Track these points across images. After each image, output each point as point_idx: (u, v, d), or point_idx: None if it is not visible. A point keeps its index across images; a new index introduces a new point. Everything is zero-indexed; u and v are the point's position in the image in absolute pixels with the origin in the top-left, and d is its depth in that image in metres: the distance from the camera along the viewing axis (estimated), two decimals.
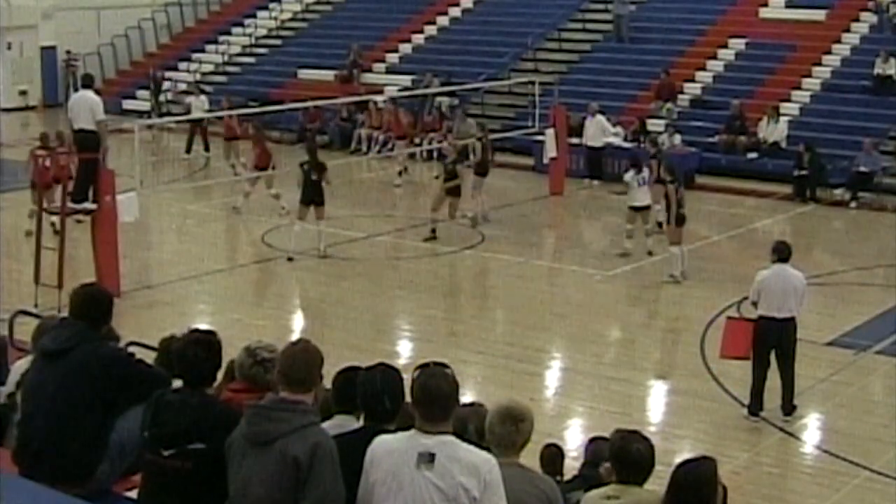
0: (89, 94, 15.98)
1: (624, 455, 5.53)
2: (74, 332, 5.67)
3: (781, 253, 11.82)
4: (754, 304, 11.87)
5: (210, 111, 26.70)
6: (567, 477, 7.87)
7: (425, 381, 4.71)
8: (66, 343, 5.64)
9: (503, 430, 5.09)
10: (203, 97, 27.62)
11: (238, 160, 24.40)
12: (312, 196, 18.16)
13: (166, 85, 33.42)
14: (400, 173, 24.53)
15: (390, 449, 4.72)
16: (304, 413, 4.86)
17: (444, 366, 4.82)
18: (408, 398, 5.09)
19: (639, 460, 5.49)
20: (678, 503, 5.14)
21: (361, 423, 5.29)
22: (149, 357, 7.18)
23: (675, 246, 17.01)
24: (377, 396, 5.09)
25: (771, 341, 11.70)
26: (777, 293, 11.61)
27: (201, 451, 5.08)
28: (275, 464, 4.75)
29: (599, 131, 24.45)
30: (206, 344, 5.37)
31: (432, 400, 4.67)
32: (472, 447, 4.70)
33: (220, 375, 5.74)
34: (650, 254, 18.10)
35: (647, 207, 18.25)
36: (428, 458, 4.59)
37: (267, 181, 21.12)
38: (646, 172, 18.26)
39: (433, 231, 19.36)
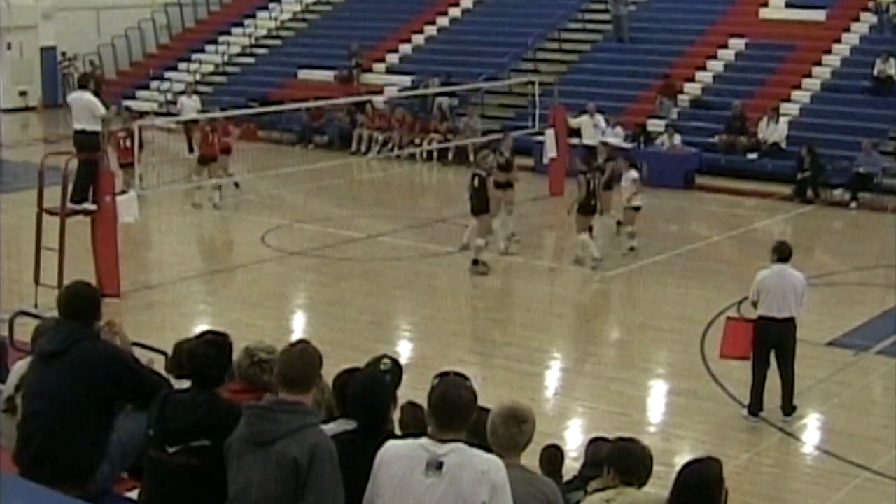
0: (85, 94, 15.98)
1: (627, 454, 5.58)
2: (70, 333, 5.68)
3: (782, 253, 11.81)
4: (754, 303, 11.87)
5: (203, 111, 26.67)
6: (567, 477, 7.87)
7: (445, 390, 4.71)
8: (63, 344, 5.65)
9: (506, 432, 5.08)
10: (195, 97, 27.59)
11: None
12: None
13: (156, 88, 33.39)
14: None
15: (399, 454, 4.72)
16: (302, 414, 4.86)
17: (464, 377, 4.82)
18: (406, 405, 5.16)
19: (642, 458, 5.57)
20: (685, 502, 5.14)
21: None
22: (147, 356, 7.19)
23: (582, 234, 17.46)
24: (356, 398, 5.18)
25: (771, 341, 11.70)
26: (777, 293, 11.60)
27: (207, 448, 5.09)
28: (274, 465, 4.76)
29: (596, 131, 24.46)
30: (217, 345, 5.39)
31: (451, 409, 4.67)
32: (480, 452, 4.70)
33: None
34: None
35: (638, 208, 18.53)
36: (436, 466, 4.60)
37: (212, 171, 21.74)
38: (634, 173, 18.57)
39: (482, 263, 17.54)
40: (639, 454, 5.64)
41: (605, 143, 21.61)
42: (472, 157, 26.03)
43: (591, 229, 17.65)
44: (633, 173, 18.50)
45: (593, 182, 17.52)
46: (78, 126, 15.72)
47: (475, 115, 27.03)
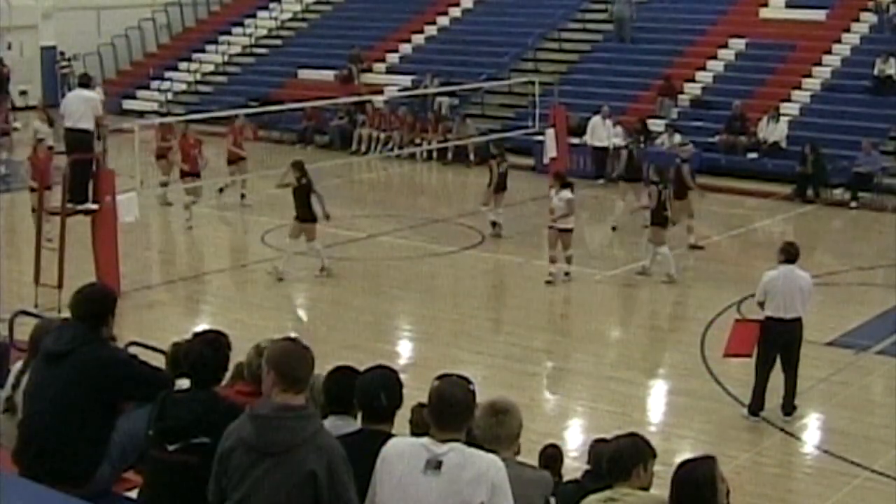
0: (85, 92, 15.92)
1: (621, 454, 5.57)
2: (76, 334, 5.67)
3: (789, 254, 11.82)
4: (760, 304, 11.86)
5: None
6: (567, 477, 7.85)
7: (442, 388, 4.74)
8: (68, 345, 5.64)
9: (484, 424, 5.11)
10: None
11: None
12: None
13: (156, 88, 33.31)
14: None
15: (400, 453, 4.73)
16: (310, 419, 4.76)
17: (467, 379, 4.83)
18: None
19: (634, 456, 5.54)
20: (681, 502, 5.13)
21: (358, 424, 5.28)
22: (148, 357, 7.19)
23: (661, 246, 16.97)
24: (374, 393, 5.11)
25: (778, 342, 11.70)
26: (784, 294, 11.60)
27: (206, 445, 5.05)
28: (288, 475, 4.65)
29: (606, 133, 24.52)
30: (214, 343, 5.37)
31: (446, 407, 4.69)
32: (480, 452, 4.70)
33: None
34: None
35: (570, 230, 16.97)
36: (435, 465, 4.61)
37: None
38: (569, 193, 16.78)
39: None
40: (633, 451, 5.60)
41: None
42: (472, 157, 26.09)
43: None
44: (567, 193, 16.67)
45: (664, 193, 17.03)
46: (69, 124, 15.56)
47: (466, 121, 26.95)
